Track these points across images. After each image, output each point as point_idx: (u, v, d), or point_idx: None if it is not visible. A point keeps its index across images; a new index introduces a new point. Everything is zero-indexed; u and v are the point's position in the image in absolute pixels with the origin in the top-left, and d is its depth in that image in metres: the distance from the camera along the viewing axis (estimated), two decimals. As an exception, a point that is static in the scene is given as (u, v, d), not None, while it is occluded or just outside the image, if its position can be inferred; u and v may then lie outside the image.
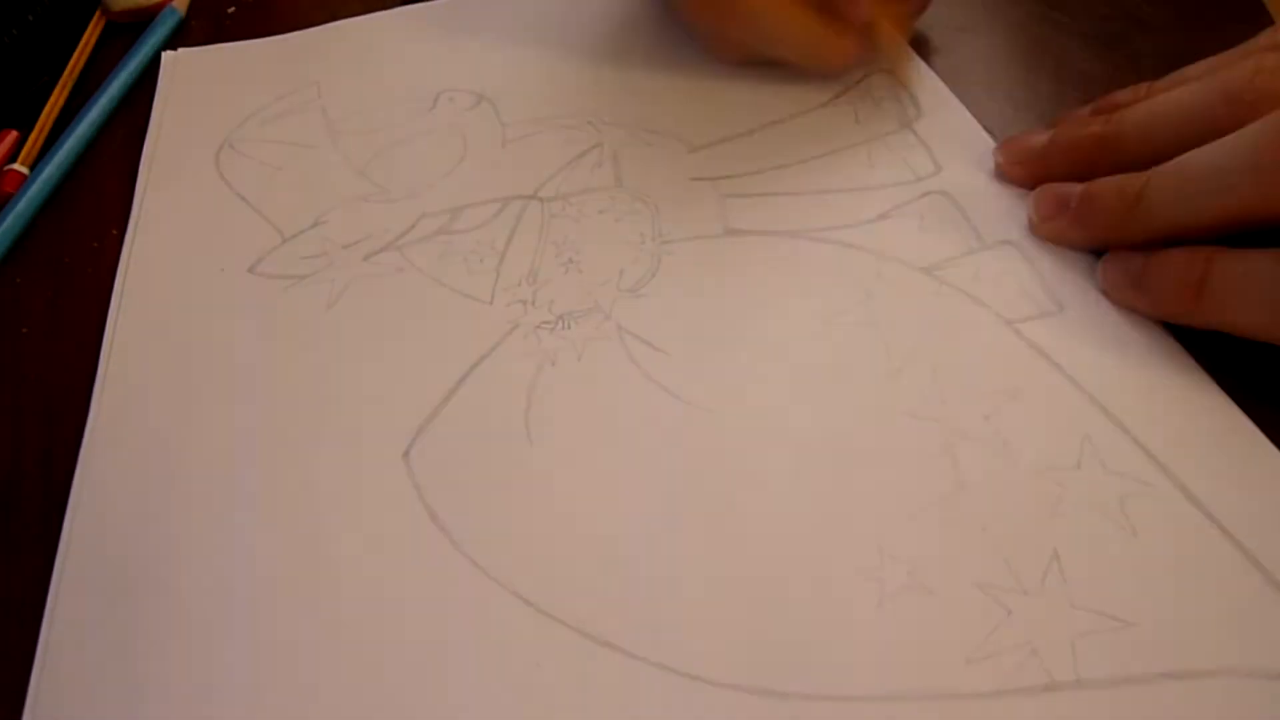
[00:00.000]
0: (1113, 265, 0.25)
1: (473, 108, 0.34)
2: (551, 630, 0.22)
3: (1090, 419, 0.23)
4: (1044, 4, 0.34)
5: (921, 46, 0.33)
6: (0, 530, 0.26)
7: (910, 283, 0.26)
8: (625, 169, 0.31)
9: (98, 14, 0.41)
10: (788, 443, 0.24)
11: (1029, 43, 0.34)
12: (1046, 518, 0.22)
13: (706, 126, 0.31)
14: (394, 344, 0.28)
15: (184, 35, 0.40)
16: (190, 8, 0.40)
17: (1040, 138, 0.28)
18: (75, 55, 0.39)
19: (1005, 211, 0.28)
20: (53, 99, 0.37)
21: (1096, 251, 0.26)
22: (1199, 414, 0.23)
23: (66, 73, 0.38)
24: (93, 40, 0.40)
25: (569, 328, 0.27)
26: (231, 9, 0.40)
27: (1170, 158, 0.24)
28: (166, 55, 0.38)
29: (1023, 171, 0.28)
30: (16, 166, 0.35)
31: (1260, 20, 0.32)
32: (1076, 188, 0.26)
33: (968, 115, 0.31)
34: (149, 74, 0.38)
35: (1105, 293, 0.25)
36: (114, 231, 0.32)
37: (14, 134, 0.36)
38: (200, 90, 0.37)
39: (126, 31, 0.40)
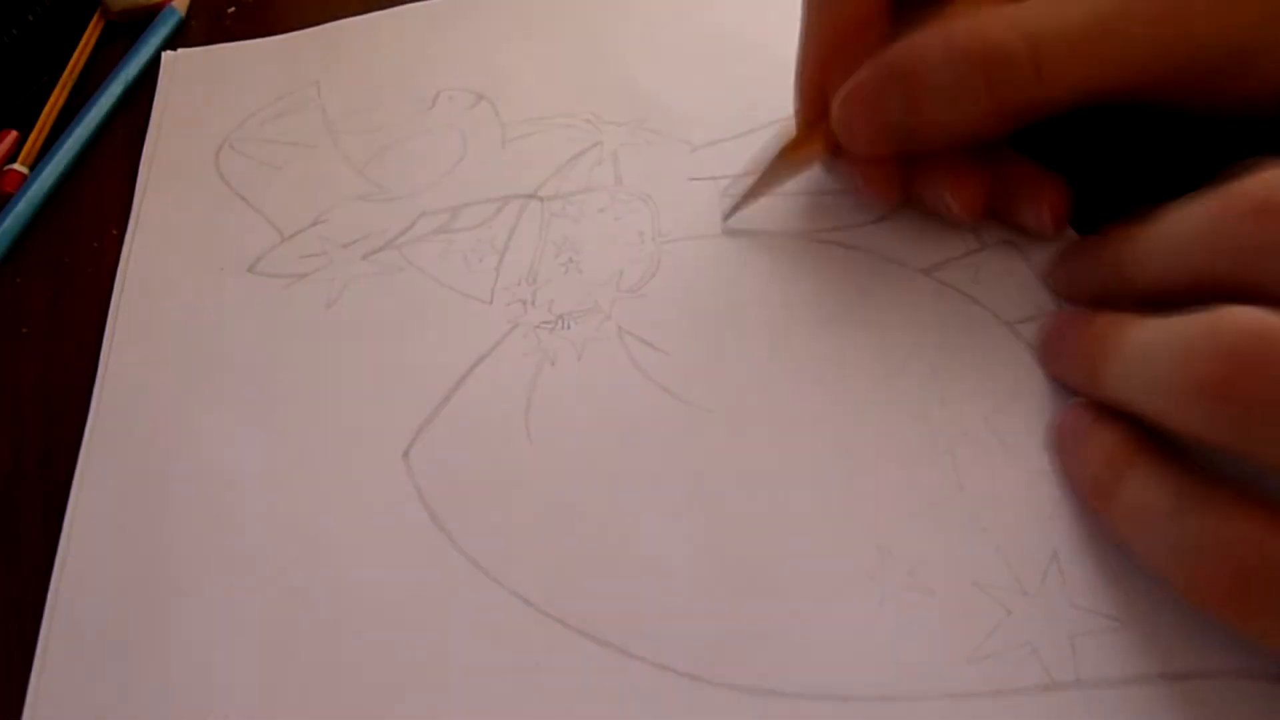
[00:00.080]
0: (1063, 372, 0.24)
1: (472, 107, 0.34)
2: (551, 630, 0.22)
3: (1090, 419, 0.23)
4: None
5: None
6: (0, 530, 0.26)
7: (910, 283, 0.26)
8: (625, 168, 0.31)
9: (98, 14, 0.41)
10: (788, 443, 0.24)
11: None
12: (1046, 518, 0.22)
13: (706, 126, 0.31)
14: (394, 344, 0.28)
15: (184, 35, 0.40)
16: (190, 8, 0.40)
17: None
18: (75, 55, 0.39)
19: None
20: (53, 99, 0.37)
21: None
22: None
23: (66, 73, 0.38)
24: (93, 40, 0.40)
25: (569, 327, 0.27)
26: (231, 9, 0.40)
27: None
28: (166, 55, 0.38)
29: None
30: (16, 166, 0.35)
31: None
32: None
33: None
34: (149, 74, 0.38)
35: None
36: (114, 231, 0.32)
37: (14, 134, 0.36)
38: (200, 90, 0.36)
39: (126, 31, 0.40)
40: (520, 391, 0.26)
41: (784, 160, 0.28)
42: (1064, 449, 0.22)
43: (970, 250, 0.27)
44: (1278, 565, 0.17)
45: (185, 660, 0.23)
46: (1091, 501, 0.21)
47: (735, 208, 0.28)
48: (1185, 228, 0.20)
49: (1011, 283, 0.26)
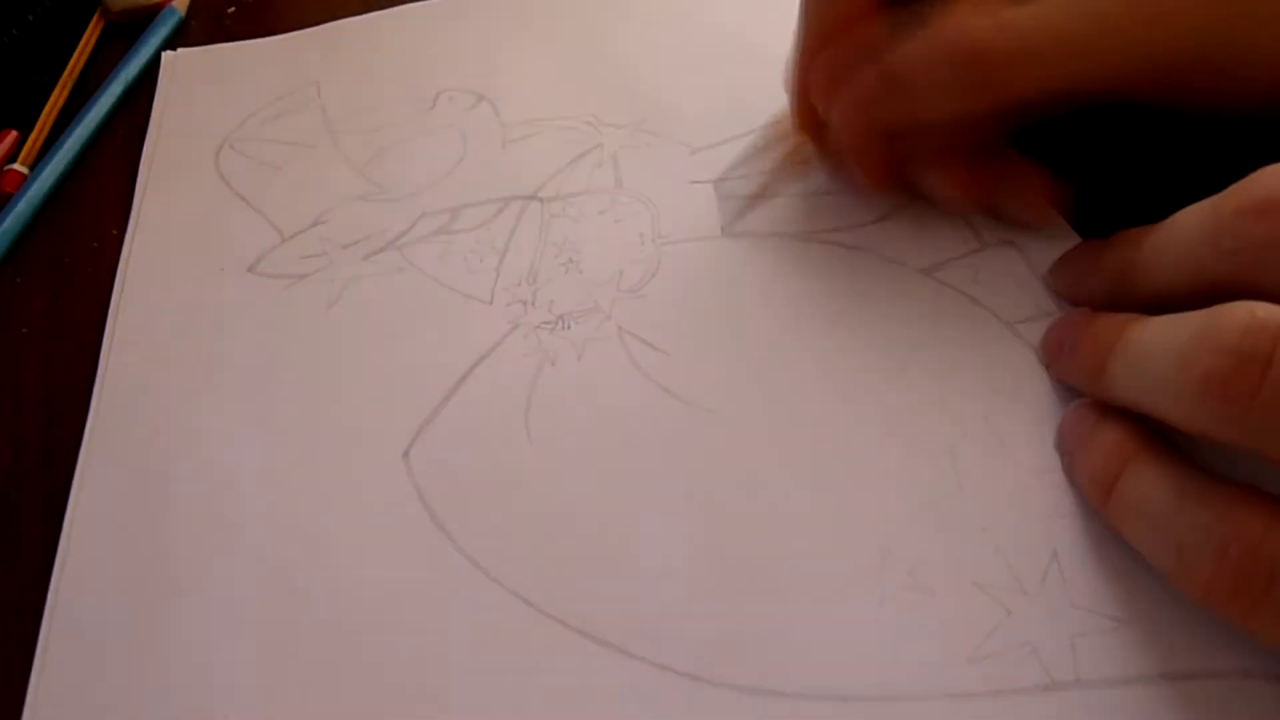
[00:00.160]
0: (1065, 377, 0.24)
1: (472, 108, 0.34)
2: (551, 630, 0.22)
3: (1090, 419, 0.23)
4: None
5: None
6: (0, 530, 0.26)
7: (910, 283, 0.26)
8: (625, 169, 0.31)
9: (98, 14, 0.41)
10: (788, 443, 0.24)
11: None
12: (1046, 518, 0.22)
13: (706, 127, 0.31)
14: (394, 344, 0.28)
15: (184, 35, 0.40)
16: (190, 8, 0.40)
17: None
18: (75, 55, 0.39)
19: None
20: (53, 99, 0.37)
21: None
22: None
23: (66, 73, 0.38)
24: (93, 40, 0.40)
25: (569, 328, 0.27)
26: (231, 9, 0.40)
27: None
28: (166, 55, 0.38)
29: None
30: (16, 166, 0.35)
31: None
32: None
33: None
34: (149, 74, 0.38)
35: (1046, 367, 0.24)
36: (114, 231, 0.32)
37: (14, 134, 0.36)
38: (200, 90, 0.37)
39: (126, 31, 0.40)
40: (520, 392, 0.26)
41: (783, 166, 0.28)
42: (1068, 448, 0.23)
43: (970, 250, 0.27)
44: (1278, 561, 0.17)
45: (185, 660, 0.23)
46: (1094, 498, 0.21)
47: (737, 217, 0.28)
48: (1189, 232, 0.21)
49: (1011, 283, 0.26)
